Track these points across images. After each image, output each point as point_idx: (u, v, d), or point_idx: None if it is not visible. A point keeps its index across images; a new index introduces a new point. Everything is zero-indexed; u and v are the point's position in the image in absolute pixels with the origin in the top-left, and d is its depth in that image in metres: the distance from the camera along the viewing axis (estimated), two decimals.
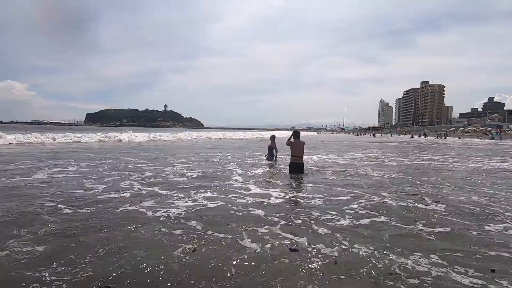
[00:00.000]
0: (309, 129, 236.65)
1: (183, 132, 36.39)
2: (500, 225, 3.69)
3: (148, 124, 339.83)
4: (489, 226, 3.65)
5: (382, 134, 73.52)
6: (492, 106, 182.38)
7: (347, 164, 10.02)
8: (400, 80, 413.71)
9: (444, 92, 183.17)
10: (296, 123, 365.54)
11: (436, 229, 3.49)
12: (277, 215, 3.93)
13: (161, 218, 3.70)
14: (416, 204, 4.63)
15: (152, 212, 3.97)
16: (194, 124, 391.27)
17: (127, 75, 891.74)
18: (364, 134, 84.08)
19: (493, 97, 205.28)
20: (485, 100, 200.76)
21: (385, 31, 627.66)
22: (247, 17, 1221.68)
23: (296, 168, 7.23)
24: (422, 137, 53.03)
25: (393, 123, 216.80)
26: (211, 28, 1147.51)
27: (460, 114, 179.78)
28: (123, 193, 5.03)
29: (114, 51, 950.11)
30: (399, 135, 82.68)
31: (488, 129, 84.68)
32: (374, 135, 59.16)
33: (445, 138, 50.44)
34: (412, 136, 58.71)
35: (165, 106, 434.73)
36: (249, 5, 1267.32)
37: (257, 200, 4.70)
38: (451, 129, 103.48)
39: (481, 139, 47.96)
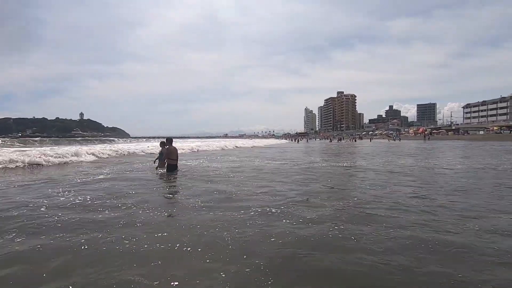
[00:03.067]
0: (241, 136, 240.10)
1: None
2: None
3: (61, 135, 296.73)
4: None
5: (308, 140, 78.72)
6: (392, 113, 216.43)
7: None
8: (321, 90, 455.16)
9: (356, 100, 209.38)
10: (229, 130, 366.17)
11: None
12: None
13: None
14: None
15: None
16: (117, 134, 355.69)
17: (30, 79, 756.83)
18: (283, 140, 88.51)
19: (393, 106, 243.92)
20: (387, 108, 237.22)
21: (306, 46, 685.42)
22: (174, 25, 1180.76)
23: (173, 168, 8.58)
24: (340, 141, 58.48)
25: (317, 129, 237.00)
26: (136, 34, 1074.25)
27: (369, 120, 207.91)
28: None
29: (12, 51, 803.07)
30: (320, 139, 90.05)
31: (390, 132, 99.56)
32: (298, 141, 62.84)
33: (355, 141, 56.75)
34: (331, 141, 64.17)
35: (81, 114, 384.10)
36: (175, 13, 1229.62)
37: None
38: (363, 133, 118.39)
39: (388, 140, 55.94)
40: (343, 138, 70.51)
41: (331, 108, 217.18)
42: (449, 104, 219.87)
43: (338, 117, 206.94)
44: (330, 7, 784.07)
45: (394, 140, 57.34)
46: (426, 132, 71.40)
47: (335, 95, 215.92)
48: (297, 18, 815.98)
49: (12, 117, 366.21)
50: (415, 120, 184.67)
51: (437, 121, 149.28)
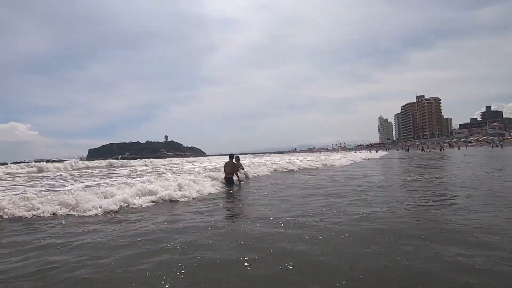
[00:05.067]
0: (310, 149, 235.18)
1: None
2: None
3: (150, 156, 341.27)
4: None
5: (377, 151, 71.78)
6: (491, 115, 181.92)
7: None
8: (395, 96, 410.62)
9: (441, 104, 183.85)
10: (297, 144, 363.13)
11: None
12: None
13: None
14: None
15: None
16: (195, 153, 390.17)
17: (127, 109, 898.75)
18: (357, 152, 79.50)
19: (490, 106, 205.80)
20: (483, 110, 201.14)
21: (374, 50, 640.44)
22: (239, 46, 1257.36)
23: (227, 181, 9.73)
24: (423, 151, 51.32)
25: (394, 138, 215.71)
26: (207, 59, 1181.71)
27: (460, 125, 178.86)
28: None
29: (113, 86, 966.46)
30: (397, 150, 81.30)
31: (490, 138, 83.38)
32: (376, 151, 58.46)
33: (442, 150, 49.02)
34: (408, 150, 57.28)
35: (166, 137, 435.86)
36: (240, 35, 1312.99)
37: None
38: (453, 140, 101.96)
39: (484, 148, 47.07)
40: (428, 147, 61.79)
41: (409, 114, 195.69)
42: None
43: (420, 124, 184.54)
44: (399, 4, 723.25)
45: (493, 147, 47.45)
46: None
47: (413, 100, 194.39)
48: (362, 22, 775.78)
49: (115, 142, 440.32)
50: None
51: None
